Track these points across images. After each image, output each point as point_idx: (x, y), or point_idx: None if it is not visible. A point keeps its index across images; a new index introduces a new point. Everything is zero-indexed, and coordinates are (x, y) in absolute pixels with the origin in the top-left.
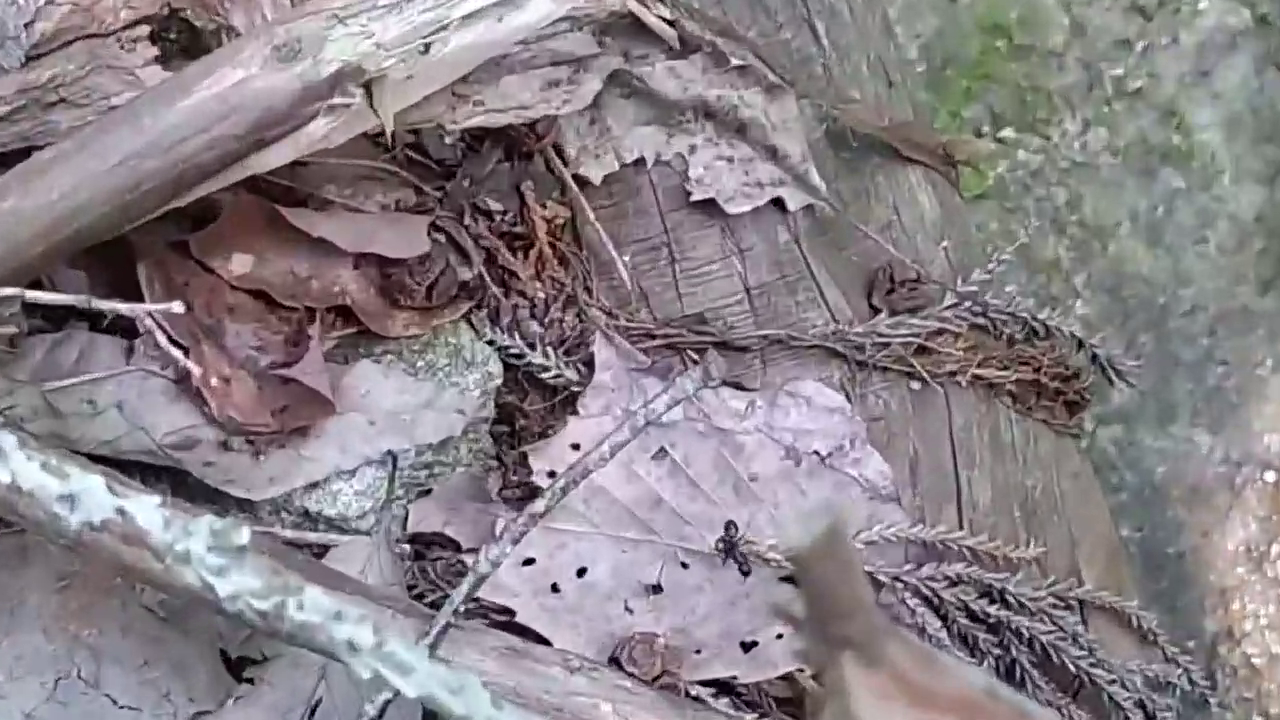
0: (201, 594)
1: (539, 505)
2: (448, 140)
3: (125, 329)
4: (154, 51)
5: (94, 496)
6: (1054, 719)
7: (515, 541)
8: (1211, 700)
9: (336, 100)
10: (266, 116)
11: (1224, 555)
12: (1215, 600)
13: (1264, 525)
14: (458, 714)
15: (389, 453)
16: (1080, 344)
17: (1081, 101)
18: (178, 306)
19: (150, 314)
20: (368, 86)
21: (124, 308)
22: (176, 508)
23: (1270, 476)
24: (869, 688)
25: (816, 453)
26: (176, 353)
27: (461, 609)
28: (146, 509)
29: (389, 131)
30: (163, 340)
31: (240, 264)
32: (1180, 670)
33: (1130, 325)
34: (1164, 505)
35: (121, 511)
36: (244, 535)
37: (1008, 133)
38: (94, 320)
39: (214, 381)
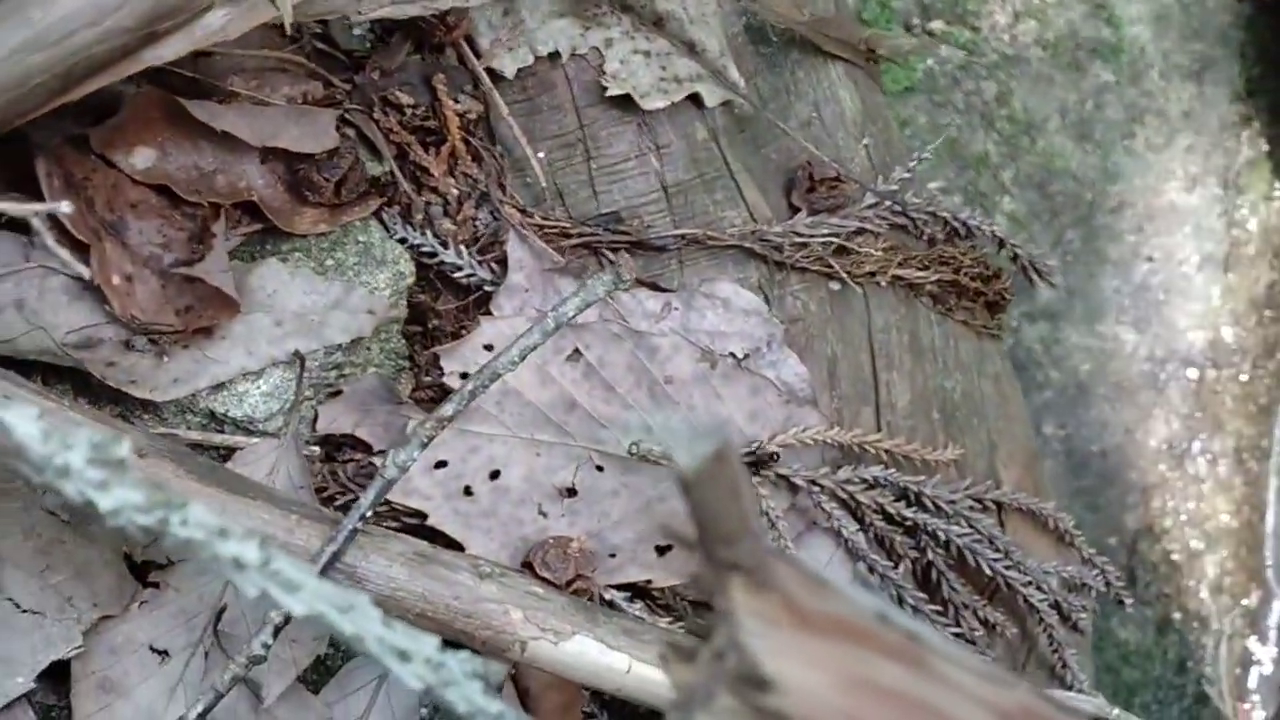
0: (83, 508)
1: (447, 409)
2: (356, 31)
3: (24, 226)
4: None
5: None
6: (945, 642)
7: (422, 446)
8: (1127, 601)
9: None
10: (159, 7)
11: (1146, 453)
12: (1137, 497)
13: (1186, 423)
14: (348, 633)
15: (296, 353)
16: (1001, 244)
17: None
18: (65, 206)
19: (39, 213)
20: None
21: (11, 208)
22: (58, 417)
23: (1193, 374)
24: (756, 612)
25: (733, 355)
26: (65, 254)
27: (369, 515)
28: (25, 420)
29: (288, 24)
30: (51, 242)
31: (142, 158)
32: (1097, 571)
33: (1058, 222)
34: (1088, 403)
35: None
36: (124, 448)
37: (937, 24)
38: None
39: (115, 280)
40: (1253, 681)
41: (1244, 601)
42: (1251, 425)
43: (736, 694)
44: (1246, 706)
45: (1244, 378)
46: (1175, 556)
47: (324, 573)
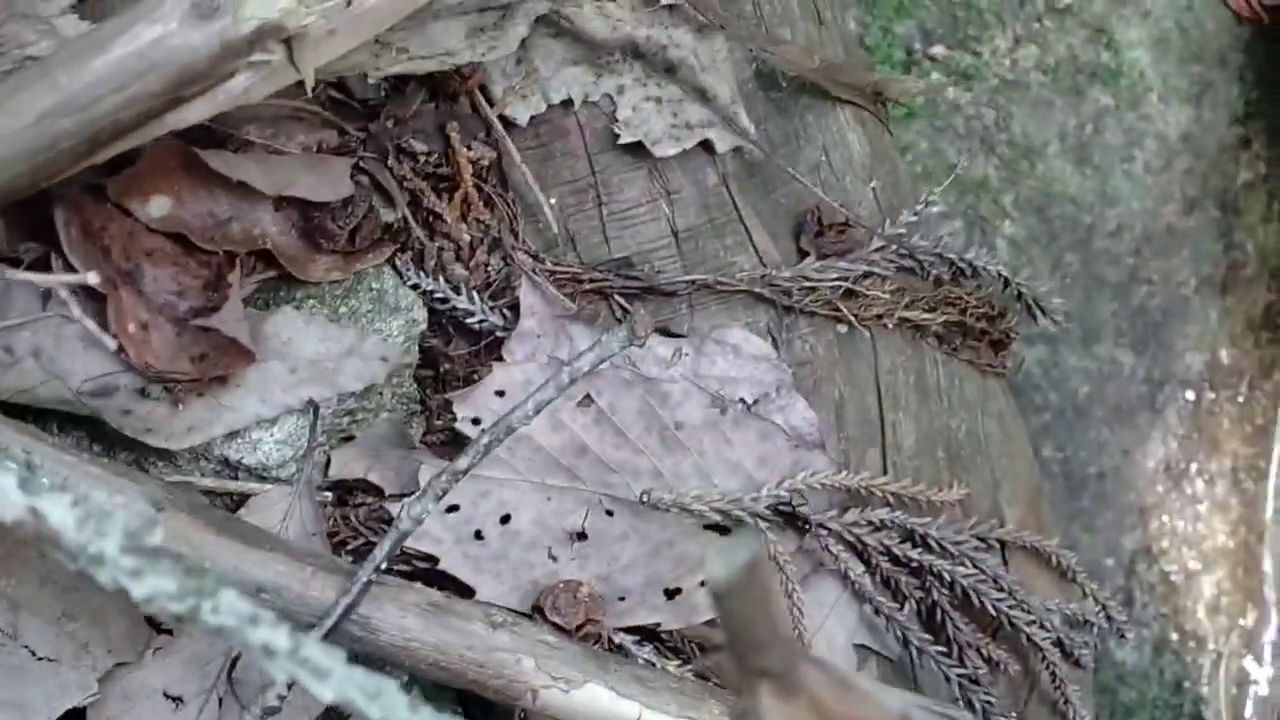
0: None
1: (461, 463)
2: (371, 80)
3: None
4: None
5: (5, 496)
6: None
7: (437, 499)
8: (1128, 634)
9: (257, 57)
10: (185, 74)
11: (1144, 474)
12: (1135, 519)
13: (1184, 444)
14: (375, 718)
15: (310, 401)
16: (1006, 282)
17: (1012, 18)
18: (93, 277)
19: (67, 284)
20: (288, 42)
21: (36, 278)
22: (89, 506)
23: (1191, 395)
24: (784, 717)
25: (742, 400)
26: (92, 325)
27: (383, 566)
28: (59, 508)
29: (309, 86)
30: (77, 314)
31: (158, 207)
32: (1098, 607)
33: (1056, 246)
34: (1086, 425)
35: (34, 511)
36: (158, 535)
37: (938, 49)
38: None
39: (131, 328)
40: (1249, 702)
41: (1241, 621)
42: (1248, 446)
43: None
44: None
45: (1241, 399)
46: (1173, 577)
47: (339, 624)
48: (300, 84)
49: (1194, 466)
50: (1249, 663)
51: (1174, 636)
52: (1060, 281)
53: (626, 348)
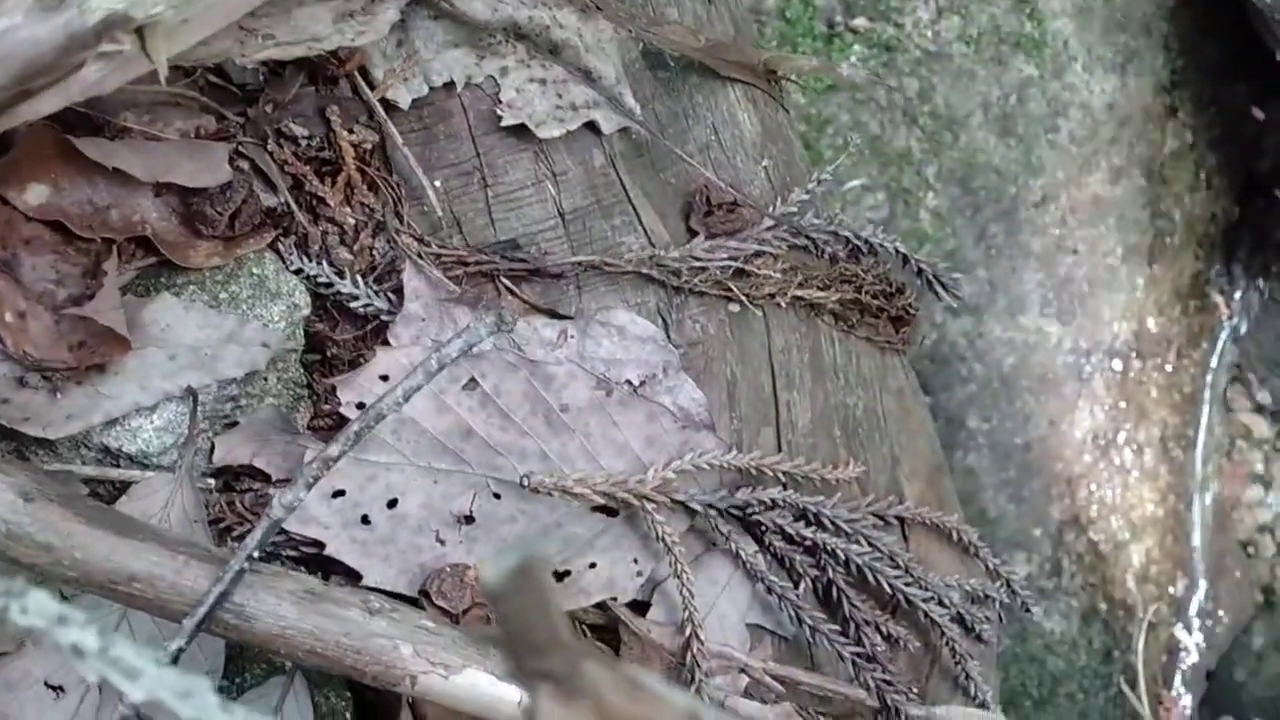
0: None
1: (333, 449)
2: (239, 66)
3: None
4: None
5: None
6: None
7: (308, 488)
8: (1034, 609)
9: (106, 48)
10: (31, 67)
11: (1071, 444)
12: (1062, 489)
13: (1111, 414)
14: (187, 717)
15: (189, 388)
16: (906, 259)
17: None
18: None
19: None
20: (139, 32)
21: None
22: None
23: (1118, 365)
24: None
25: (629, 382)
26: None
27: (257, 555)
28: None
29: (163, 77)
30: None
31: (36, 194)
32: (1001, 581)
33: (981, 217)
34: (1012, 396)
35: None
36: None
37: (860, 21)
38: None
39: (8, 317)
40: (1179, 670)
41: (1170, 590)
42: (1176, 414)
43: None
44: (1173, 694)
45: (1169, 368)
46: (1101, 546)
47: (212, 613)
48: (178, 67)
49: (1122, 436)
50: (1179, 630)
51: (1102, 605)
52: (985, 253)
53: (494, 334)
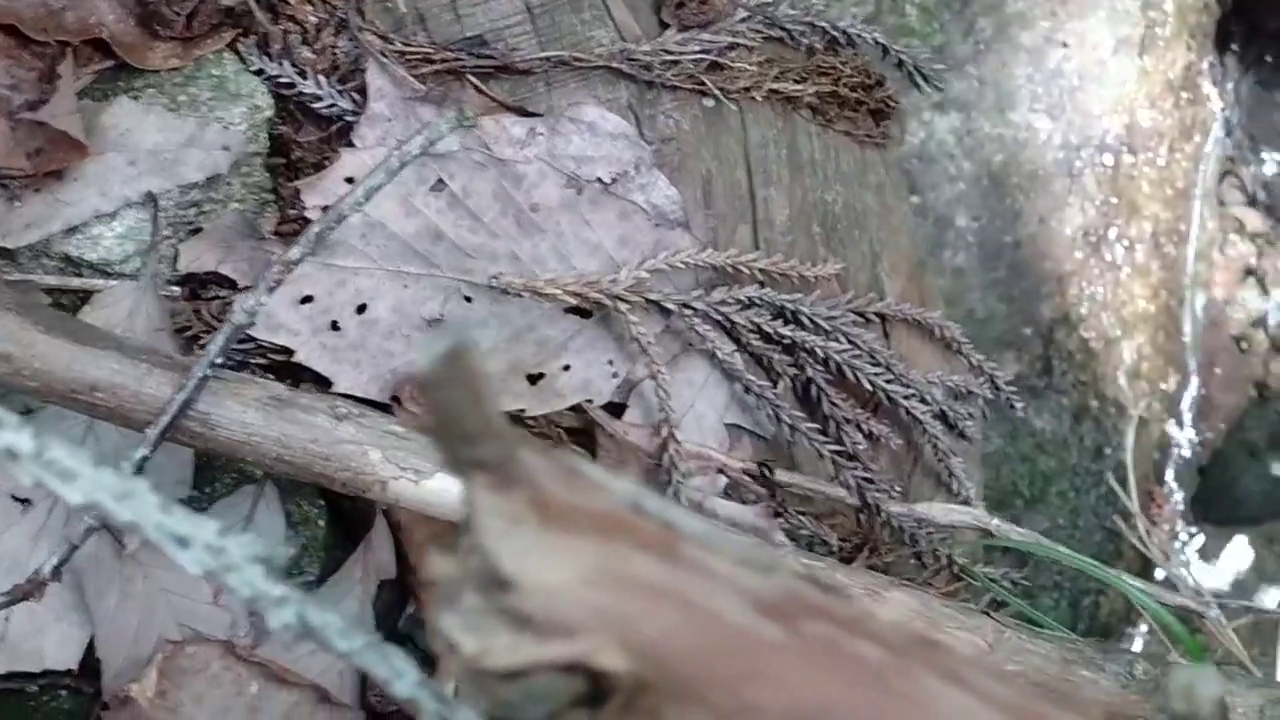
0: None
1: (294, 252)
2: None
3: None
4: None
5: None
6: (705, 528)
7: (269, 291)
8: (1018, 405)
9: None
10: None
11: (1061, 241)
12: (1052, 286)
13: (1101, 209)
14: (125, 519)
15: (149, 194)
16: (885, 50)
17: None
18: None
19: None
20: None
21: None
22: None
23: (1109, 160)
24: (499, 511)
25: (600, 180)
26: None
27: (220, 361)
28: None
29: None
30: None
31: None
32: (984, 378)
33: (969, 11)
34: (1001, 193)
35: None
36: None
37: None
38: None
39: None
40: (1170, 465)
41: (1161, 386)
42: (1168, 209)
43: (482, 594)
44: (1165, 490)
45: (1161, 162)
46: (1092, 344)
47: (175, 421)
48: None
49: (1113, 232)
50: (1170, 427)
51: (1094, 403)
52: (974, 48)
53: (456, 129)
